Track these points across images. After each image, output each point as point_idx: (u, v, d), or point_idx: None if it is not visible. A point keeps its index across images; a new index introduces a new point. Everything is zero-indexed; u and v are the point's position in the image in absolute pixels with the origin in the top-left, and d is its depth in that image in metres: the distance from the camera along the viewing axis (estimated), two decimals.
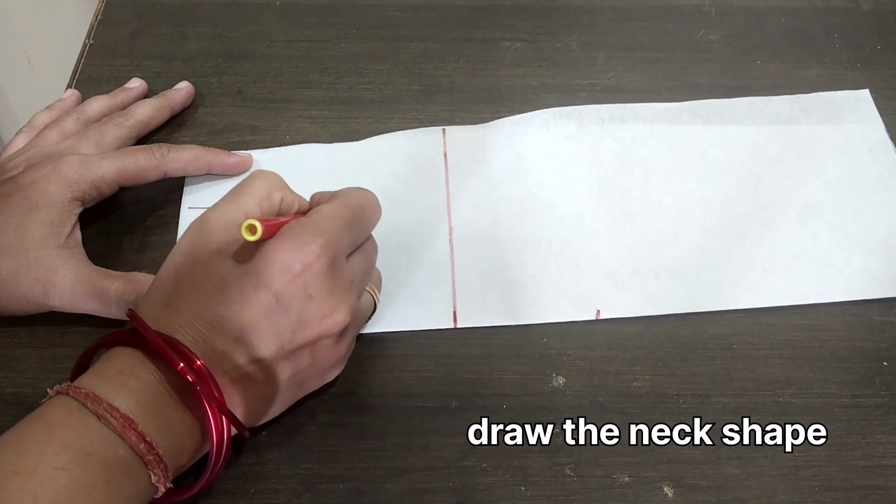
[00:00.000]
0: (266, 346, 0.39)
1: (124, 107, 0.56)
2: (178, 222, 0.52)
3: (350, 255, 0.42)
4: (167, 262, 0.41)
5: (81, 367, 0.40)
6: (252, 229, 0.38)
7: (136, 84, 0.58)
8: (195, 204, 0.53)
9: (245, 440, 0.42)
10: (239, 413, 0.39)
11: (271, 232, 0.39)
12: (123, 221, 0.52)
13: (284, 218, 0.42)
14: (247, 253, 0.39)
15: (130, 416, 0.36)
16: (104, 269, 0.47)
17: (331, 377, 0.43)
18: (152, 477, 0.36)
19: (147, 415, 0.37)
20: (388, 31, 0.62)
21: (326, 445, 0.44)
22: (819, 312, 0.49)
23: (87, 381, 0.37)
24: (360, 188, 0.44)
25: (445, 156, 0.55)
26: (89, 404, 0.36)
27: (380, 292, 0.47)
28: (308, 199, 0.45)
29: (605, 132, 0.56)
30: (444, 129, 0.56)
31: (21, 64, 1.02)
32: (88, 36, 0.62)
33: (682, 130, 0.56)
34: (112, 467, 0.35)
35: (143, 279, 0.47)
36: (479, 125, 0.56)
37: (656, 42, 0.62)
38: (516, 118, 0.56)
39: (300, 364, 0.40)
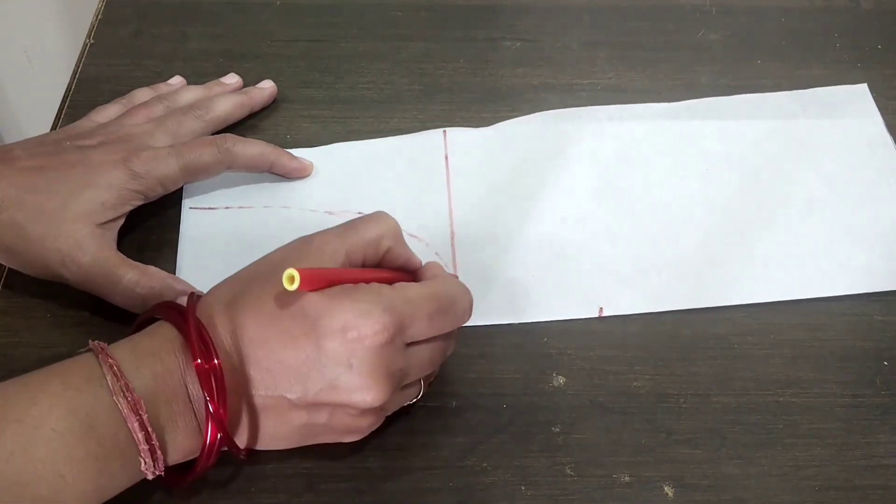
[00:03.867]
0: (290, 390, 0.38)
1: None
2: (178, 222, 0.52)
3: (418, 343, 0.40)
4: (254, 264, 0.41)
5: (142, 324, 0.41)
6: (290, 279, 0.36)
7: (233, 80, 0.58)
8: (196, 204, 0.53)
9: (241, 462, 0.42)
10: (242, 434, 0.40)
11: (326, 282, 0.38)
12: (124, 221, 0.52)
13: (351, 272, 0.40)
14: (317, 295, 0.38)
15: (142, 401, 0.36)
16: (125, 258, 0.47)
17: (347, 440, 0.41)
18: (142, 464, 0.37)
19: (159, 404, 0.37)
20: (388, 30, 0.62)
21: (327, 445, 0.44)
22: (820, 312, 0.49)
23: (121, 351, 0.38)
24: (461, 283, 0.43)
25: (446, 158, 0.55)
26: (109, 378, 0.36)
27: (430, 382, 0.44)
28: (416, 255, 0.44)
29: (605, 132, 0.56)
30: (444, 131, 0.56)
31: (21, 63, 1.02)
32: (89, 35, 0.62)
33: (681, 128, 0.56)
34: (106, 446, 0.36)
35: (157, 275, 0.47)
36: (479, 128, 0.56)
37: (657, 42, 0.62)
38: (517, 120, 0.57)
39: (316, 419, 0.39)
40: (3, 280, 0.49)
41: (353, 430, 0.41)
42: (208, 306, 0.40)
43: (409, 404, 0.43)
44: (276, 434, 0.40)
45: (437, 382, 0.46)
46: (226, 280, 0.41)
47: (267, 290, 0.39)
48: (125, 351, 0.38)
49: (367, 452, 0.44)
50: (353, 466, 0.43)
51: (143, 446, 0.36)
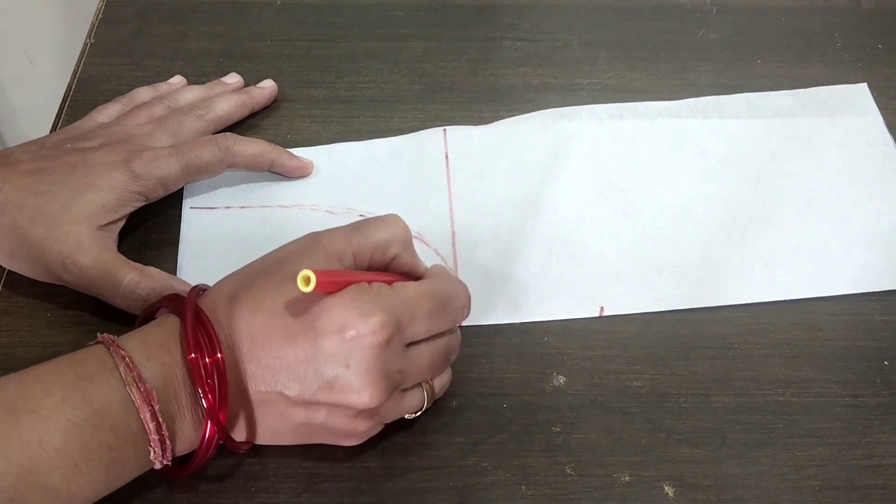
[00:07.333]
0: (288, 387, 0.38)
1: None
2: (178, 222, 0.52)
3: (418, 343, 0.40)
4: (261, 260, 0.41)
5: (147, 318, 0.42)
6: (307, 280, 0.36)
7: (233, 80, 0.58)
8: (196, 204, 0.53)
9: (241, 454, 0.42)
10: (241, 429, 0.40)
11: (339, 284, 0.38)
12: (124, 222, 0.52)
13: (362, 274, 0.40)
14: (318, 294, 0.38)
15: (154, 392, 0.37)
16: (125, 259, 0.47)
17: (345, 443, 0.41)
18: (151, 453, 0.37)
19: (169, 394, 0.38)
20: (388, 30, 0.62)
21: (327, 444, 0.44)
22: (820, 312, 0.49)
23: (131, 342, 0.38)
24: (458, 280, 0.44)
25: (447, 157, 0.55)
26: (122, 368, 0.37)
27: (439, 393, 0.44)
28: (422, 260, 0.43)
29: (605, 131, 0.56)
30: (444, 130, 0.56)
31: (22, 63, 1.02)
32: (89, 35, 0.62)
33: (681, 127, 0.56)
34: (119, 436, 0.36)
35: (157, 276, 0.47)
36: (479, 126, 0.56)
37: (657, 41, 0.62)
38: (516, 119, 0.57)
39: (314, 418, 0.39)
40: (3, 280, 0.49)
41: (350, 433, 0.40)
42: (212, 300, 0.40)
43: (415, 416, 0.43)
44: (275, 429, 0.40)
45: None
46: (232, 274, 0.41)
47: (271, 285, 0.39)
48: (135, 342, 0.38)
49: (367, 452, 0.44)
50: (353, 466, 0.43)
51: (154, 436, 0.37)
